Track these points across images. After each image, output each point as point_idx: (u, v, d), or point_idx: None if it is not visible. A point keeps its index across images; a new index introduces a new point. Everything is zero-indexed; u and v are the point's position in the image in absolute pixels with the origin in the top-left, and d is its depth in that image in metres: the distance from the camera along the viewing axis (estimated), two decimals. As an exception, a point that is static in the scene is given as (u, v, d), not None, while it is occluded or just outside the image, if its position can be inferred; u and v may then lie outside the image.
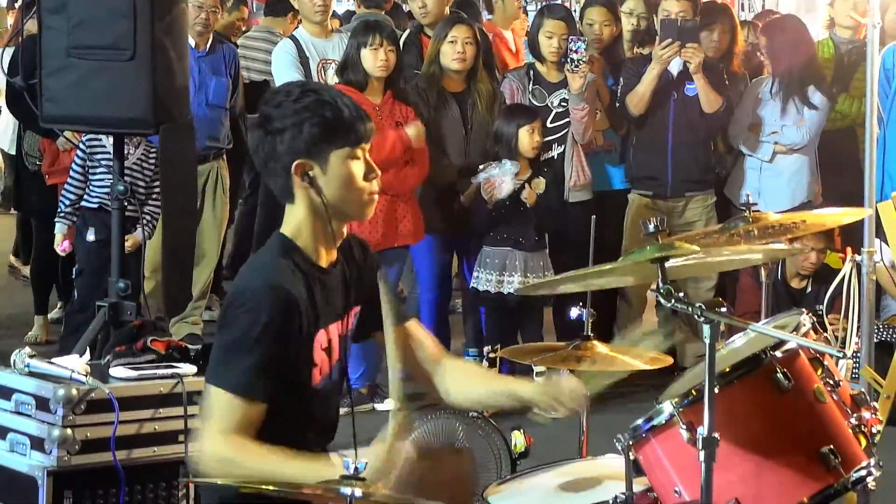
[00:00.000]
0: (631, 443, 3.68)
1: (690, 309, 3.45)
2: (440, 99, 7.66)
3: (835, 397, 3.71)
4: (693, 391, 3.58)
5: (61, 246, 7.48)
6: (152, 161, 7.21)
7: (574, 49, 7.62)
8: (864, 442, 3.71)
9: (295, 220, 3.63)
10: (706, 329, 3.40)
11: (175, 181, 6.06)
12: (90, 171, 7.34)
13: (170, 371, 4.81)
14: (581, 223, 7.49)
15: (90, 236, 7.30)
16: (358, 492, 3.01)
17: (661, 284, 3.58)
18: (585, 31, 8.17)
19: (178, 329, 8.10)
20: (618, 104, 8.11)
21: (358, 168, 3.63)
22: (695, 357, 7.55)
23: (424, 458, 3.92)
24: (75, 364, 4.70)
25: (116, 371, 4.81)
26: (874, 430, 3.77)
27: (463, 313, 8.31)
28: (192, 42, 7.93)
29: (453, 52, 7.59)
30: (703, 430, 3.37)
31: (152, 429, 4.71)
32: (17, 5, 10.90)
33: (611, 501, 3.67)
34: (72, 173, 7.44)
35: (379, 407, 7.42)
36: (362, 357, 7.35)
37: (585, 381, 3.86)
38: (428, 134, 7.54)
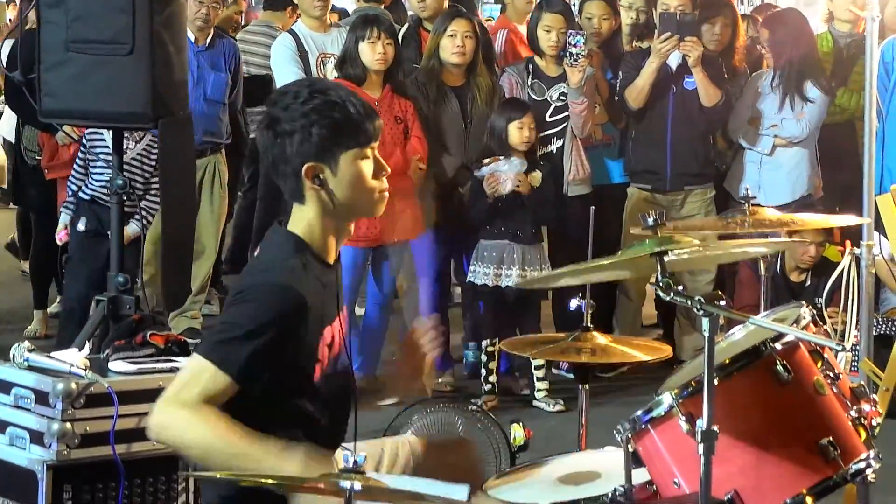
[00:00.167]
0: (630, 435, 3.68)
1: (690, 302, 3.45)
2: (440, 93, 7.66)
3: (834, 390, 3.71)
4: (692, 383, 3.58)
5: (58, 234, 7.53)
6: (154, 157, 7.22)
7: (573, 43, 7.61)
8: (863, 434, 3.72)
9: (306, 220, 3.63)
10: (705, 322, 3.40)
11: (174, 175, 6.06)
12: (90, 163, 7.36)
13: (169, 365, 4.81)
14: (580, 217, 7.51)
15: (80, 226, 7.34)
16: (357, 485, 3.01)
17: (660, 278, 3.58)
18: (584, 25, 8.17)
19: (178, 323, 8.10)
20: (617, 98, 8.11)
21: (367, 167, 3.64)
22: (693, 350, 7.56)
23: (429, 451, 3.93)
24: (74, 358, 4.70)
25: (115, 365, 4.81)
26: (873, 423, 3.78)
27: (462, 307, 8.32)
28: (191, 36, 7.93)
29: (453, 45, 7.58)
30: (702, 423, 3.37)
31: (152, 423, 4.71)
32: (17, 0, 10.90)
33: (610, 493, 3.67)
34: (75, 165, 7.49)
35: (379, 402, 7.41)
36: (359, 349, 7.35)
37: None
38: (427, 128, 7.54)
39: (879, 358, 5.76)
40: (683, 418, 3.53)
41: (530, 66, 7.93)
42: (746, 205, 4.93)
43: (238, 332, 3.46)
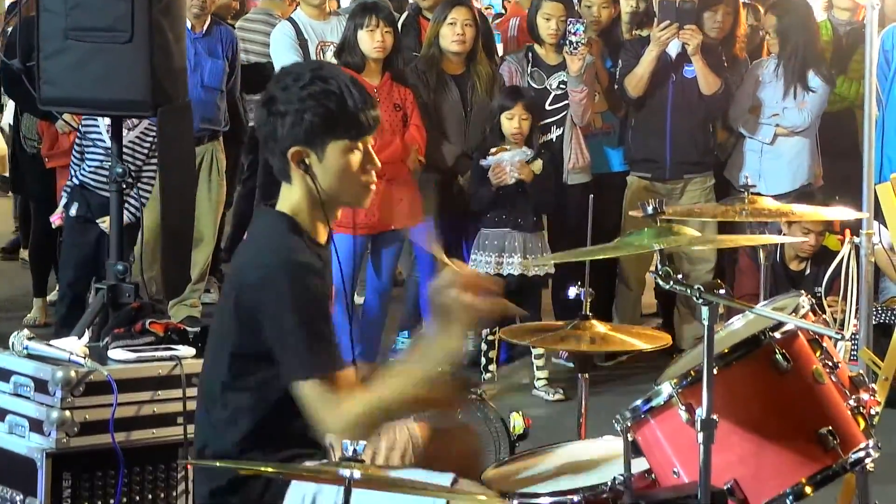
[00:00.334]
0: (630, 424, 3.68)
1: (689, 291, 3.45)
2: (439, 81, 7.65)
3: (833, 379, 3.71)
4: (692, 372, 3.58)
5: (53, 217, 7.59)
6: (147, 145, 7.23)
7: (573, 31, 7.61)
8: (862, 423, 3.71)
9: (292, 201, 3.66)
10: (705, 311, 3.40)
11: (173, 163, 6.05)
12: (86, 150, 7.39)
13: (168, 353, 4.81)
14: (580, 205, 7.51)
15: (72, 211, 7.38)
16: (356, 473, 3.01)
17: (659, 267, 3.58)
18: (584, 13, 8.16)
19: (177, 311, 8.11)
20: (616, 86, 8.10)
21: (355, 159, 3.64)
22: (693, 339, 7.56)
23: (432, 437, 3.93)
24: (74, 346, 4.70)
25: (115, 353, 4.81)
26: (872, 412, 3.77)
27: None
28: (188, 24, 7.92)
29: (453, 34, 7.58)
30: (701, 412, 3.37)
31: (151, 411, 4.72)
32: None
33: (609, 482, 3.67)
34: (73, 152, 7.52)
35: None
36: (358, 337, 7.34)
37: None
38: (427, 116, 7.54)
39: (879, 347, 5.75)
40: (683, 408, 3.53)
41: (530, 55, 7.93)
42: (746, 193, 4.93)
43: (303, 335, 3.47)
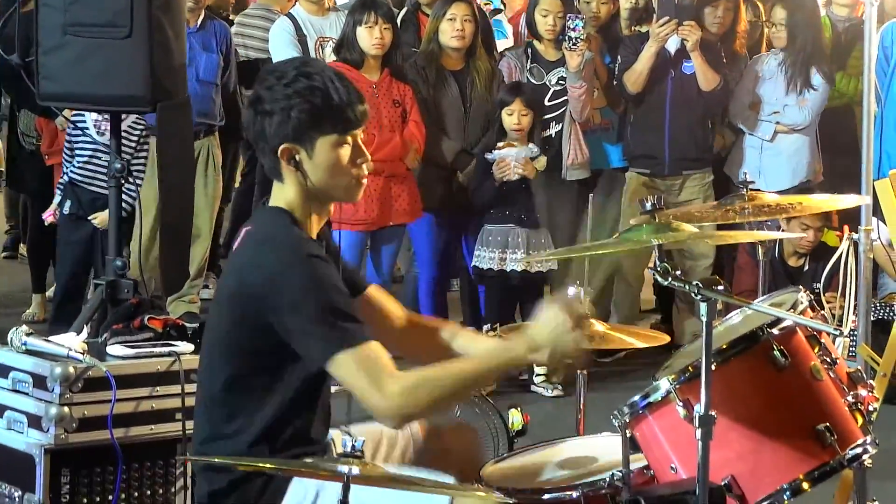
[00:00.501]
0: (628, 420, 3.68)
1: (688, 287, 3.45)
2: (439, 77, 7.65)
3: (831, 375, 3.71)
4: (690, 368, 3.58)
5: (45, 214, 7.62)
6: (134, 139, 7.26)
7: (572, 27, 7.61)
8: (860, 419, 3.72)
9: (286, 197, 3.67)
10: (703, 307, 3.41)
11: (172, 159, 6.05)
12: (75, 146, 7.41)
13: (167, 349, 4.81)
14: (578, 201, 7.51)
15: (65, 209, 7.40)
16: (355, 470, 3.02)
17: (658, 263, 3.58)
18: (583, 9, 8.15)
19: (176, 307, 8.11)
20: (615, 82, 8.10)
21: (345, 153, 3.64)
22: (692, 335, 7.56)
23: (430, 434, 3.94)
24: (72, 342, 4.70)
25: (114, 349, 4.80)
26: (870, 408, 3.78)
27: (460, 292, 8.31)
28: (182, 19, 7.92)
29: (452, 29, 7.58)
30: (699, 408, 3.38)
31: (150, 407, 4.71)
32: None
33: (608, 479, 3.68)
34: (64, 148, 7.56)
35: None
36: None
37: None
38: (427, 112, 7.54)
39: (877, 343, 5.75)
40: (681, 404, 3.53)
41: (529, 51, 7.93)
42: (745, 190, 4.93)
43: (325, 316, 3.47)
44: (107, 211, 7.05)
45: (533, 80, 7.83)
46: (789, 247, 7.77)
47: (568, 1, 7.94)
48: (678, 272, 3.55)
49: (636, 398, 3.67)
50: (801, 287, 4.04)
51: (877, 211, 5.65)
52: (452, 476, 3.48)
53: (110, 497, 4.63)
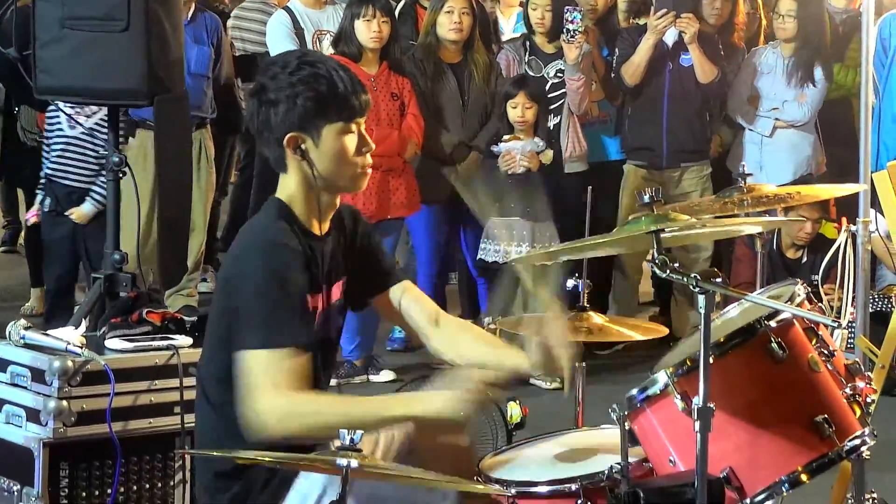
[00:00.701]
0: (626, 413, 3.68)
1: (686, 279, 3.45)
2: (437, 70, 7.66)
3: (829, 367, 3.71)
4: (688, 361, 3.58)
5: (27, 215, 7.66)
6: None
7: (570, 19, 7.61)
8: (858, 411, 3.72)
9: (289, 189, 3.67)
10: (701, 299, 3.40)
11: (170, 153, 6.04)
12: (50, 141, 7.41)
13: (165, 343, 4.81)
14: (576, 194, 7.51)
15: (45, 206, 7.45)
16: (354, 463, 3.01)
17: (656, 255, 3.58)
18: (581, 2, 8.15)
19: (174, 301, 8.11)
20: (613, 75, 8.11)
21: (351, 142, 3.64)
22: (690, 327, 7.56)
23: (424, 431, 3.93)
24: (71, 336, 4.70)
25: (112, 343, 4.80)
26: (868, 400, 3.78)
27: (459, 285, 8.32)
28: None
29: (450, 22, 7.58)
30: (697, 400, 3.38)
31: (148, 400, 4.71)
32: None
33: (606, 471, 3.68)
34: (43, 144, 7.58)
35: (374, 378, 7.44)
36: (357, 330, 7.36)
37: None
38: (425, 105, 7.54)
39: (875, 335, 5.75)
40: (679, 396, 3.53)
41: (527, 43, 7.93)
42: (743, 182, 4.94)
43: (259, 307, 3.45)
44: (83, 206, 7.16)
45: (531, 73, 7.83)
46: (787, 239, 7.78)
47: (562, -6, 7.94)
48: (676, 264, 3.55)
49: (634, 391, 3.67)
50: (798, 279, 4.04)
51: (875, 203, 5.65)
52: (447, 473, 3.48)
53: (109, 490, 4.63)
